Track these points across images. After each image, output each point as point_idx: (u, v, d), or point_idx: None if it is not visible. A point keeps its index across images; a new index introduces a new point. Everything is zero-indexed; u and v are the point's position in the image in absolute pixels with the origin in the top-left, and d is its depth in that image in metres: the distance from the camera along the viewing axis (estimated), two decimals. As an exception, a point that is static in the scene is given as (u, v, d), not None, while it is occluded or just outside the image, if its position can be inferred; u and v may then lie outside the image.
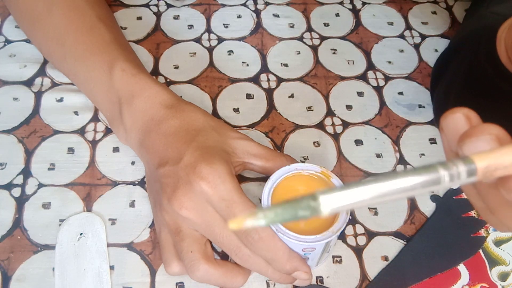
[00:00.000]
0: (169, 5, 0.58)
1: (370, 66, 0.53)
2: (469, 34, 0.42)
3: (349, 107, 0.50)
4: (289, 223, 0.35)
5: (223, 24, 0.56)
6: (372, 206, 0.44)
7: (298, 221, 0.36)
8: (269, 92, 0.51)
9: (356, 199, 0.19)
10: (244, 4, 0.58)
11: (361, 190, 0.19)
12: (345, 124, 0.49)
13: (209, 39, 0.55)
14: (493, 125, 0.21)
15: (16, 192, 0.43)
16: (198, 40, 0.55)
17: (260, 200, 0.36)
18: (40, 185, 0.44)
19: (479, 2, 0.48)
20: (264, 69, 0.53)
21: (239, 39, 0.55)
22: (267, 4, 0.58)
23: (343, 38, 0.56)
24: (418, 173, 0.20)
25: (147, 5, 0.57)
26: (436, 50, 0.55)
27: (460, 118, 0.23)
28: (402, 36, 0.56)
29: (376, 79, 0.52)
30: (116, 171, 0.45)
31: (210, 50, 0.54)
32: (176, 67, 0.52)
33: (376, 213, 0.43)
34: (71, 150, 0.46)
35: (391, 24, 0.58)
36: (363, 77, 0.53)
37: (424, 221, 0.43)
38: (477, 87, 0.38)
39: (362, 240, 0.42)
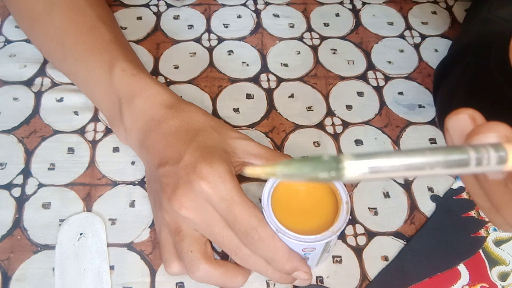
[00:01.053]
0: (169, 5, 0.58)
1: (370, 66, 0.53)
2: (476, 38, 0.42)
3: (349, 107, 0.50)
4: (289, 223, 0.35)
5: (223, 24, 0.56)
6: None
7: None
8: (269, 92, 0.51)
9: (381, 169, 0.18)
10: (244, 4, 0.58)
11: (387, 161, 0.18)
12: (345, 124, 0.49)
13: (209, 39, 0.55)
14: (501, 123, 0.21)
15: (16, 192, 0.43)
16: (198, 40, 0.55)
17: (260, 200, 0.36)
18: (40, 185, 0.44)
19: (479, 3, 0.48)
20: (264, 69, 0.53)
21: (239, 39, 0.55)
22: (267, 4, 0.58)
23: (343, 38, 0.56)
24: (447, 151, 0.19)
25: (147, 5, 0.57)
26: (436, 50, 0.55)
27: (465, 118, 0.23)
28: (402, 36, 0.56)
29: (376, 79, 0.52)
30: (116, 171, 0.45)
31: (210, 50, 0.54)
32: (176, 67, 0.52)
33: (376, 213, 0.43)
34: (71, 150, 0.46)
35: (391, 24, 0.58)
36: (363, 77, 0.53)
37: (424, 221, 0.43)
38: (483, 92, 0.38)
39: (362, 240, 0.42)
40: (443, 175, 0.20)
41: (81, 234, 0.41)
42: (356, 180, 0.18)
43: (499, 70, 0.35)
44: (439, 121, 0.47)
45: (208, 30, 0.56)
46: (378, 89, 0.52)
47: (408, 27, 0.57)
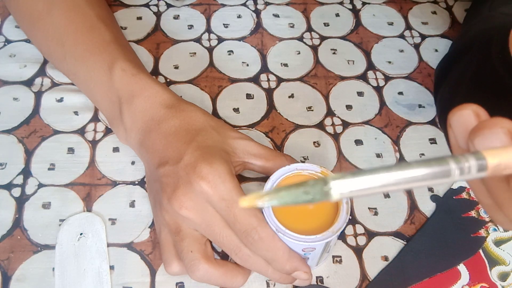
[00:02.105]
0: (169, 5, 0.58)
1: (370, 66, 0.53)
2: (478, 34, 0.42)
3: (349, 107, 0.50)
4: (289, 223, 0.35)
5: (223, 24, 0.56)
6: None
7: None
8: (269, 92, 0.51)
9: (366, 186, 0.19)
10: (244, 4, 0.58)
11: (372, 178, 0.19)
12: (345, 124, 0.49)
13: (209, 39, 0.55)
14: (505, 119, 0.21)
15: (16, 192, 0.43)
16: (198, 40, 0.55)
17: (260, 200, 0.36)
18: (40, 185, 0.44)
19: (480, 2, 0.48)
20: (264, 69, 0.53)
21: (239, 39, 0.55)
22: (267, 4, 0.58)
23: (343, 38, 0.56)
24: (429, 164, 0.20)
25: (147, 5, 0.57)
26: (436, 50, 0.55)
27: (469, 114, 0.23)
28: (402, 36, 0.56)
29: (376, 79, 0.52)
30: (116, 171, 0.45)
31: (210, 50, 0.54)
32: (176, 67, 0.52)
33: (376, 213, 0.43)
34: (71, 150, 0.46)
35: (391, 24, 0.58)
36: (363, 77, 0.53)
37: (424, 221, 0.43)
38: (486, 87, 0.38)
39: (362, 240, 0.42)
40: (427, 186, 0.21)
41: (81, 234, 0.41)
42: (345, 198, 0.19)
43: (500, 62, 0.35)
44: (439, 119, 0.47)
45: (208, 30, 0.56)
46: (378, 89, 0.52)
47: (408, 27, 0.57)
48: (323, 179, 0.19)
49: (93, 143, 0.46)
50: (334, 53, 0.54)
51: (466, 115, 0.23)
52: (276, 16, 0.57)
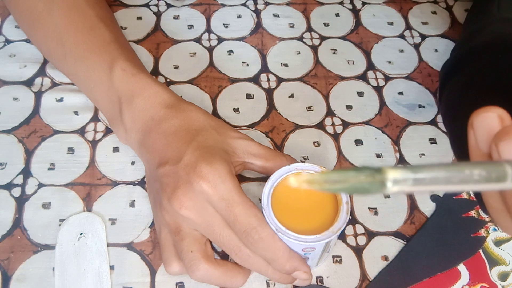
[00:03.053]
0: (169, 5, 0.58)
1: (370, 66, 0.53)
2: (496, 37, 0.41)
3: (349, 107, 0.50)
4: (289, 223, 0.35)
5: (223, 24, 0.56)
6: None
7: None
8: (269, 92, 0.51)
9: (423, 181, 0.19)
10: (244, 4, 0.58)
11: (429, 174, 0.19)
12: (345, 124, 0.49)
13: (209, 39, 0.55)
14: None
15: (16, 192, 0.43)
16: (198, 40, 0.55)
17: (260, 200, 0.36)
18: (40, 185, 0.44)
19: (484, 2, 0.47)
20: (264, 69, 0.53)
21: (239, 39, 0.55)
22: (267, 4, 0.58)
23: (343, 38, 0.56)
24: (485, 167, 0.19)
25: (147, 5, 0.57)
26: (436, 50, 0.55)
27: (493, 117, 0.22)
28: (402, 36, 0.56)
29: (376, 79, 0.52)
30: (116, 171, 0.45)
31: (210, 50, 0.54)
32: (176, 67, 0.52)
33: (376, 213, 0.43)
34: (71, 150, 0.46)
35: (391, 24, 0.58)
36: (363, 77, 0.53)
37: (424, 221, 0.43)
38: (504, 90, 0.37)
39: (362, 240, 0.42)
40: (480, 189, 0.20)
41: (81, 234, 0.41)
42: (398, 193, 0.19)
43: None
44: (445, 117, 0.46)
45: (208, 30, 0.56)
46: (378, 89, 0.52)
47: (408, 27, 0.57)
48: (380, 169, 0.19)
49: (93, 143, 0.46)
50: (334, 53, 0.54)
51: (491, 118, 0.22)
52: (276, 16, 0.57)
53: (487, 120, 0.23)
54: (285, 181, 0.37)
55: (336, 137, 0.48)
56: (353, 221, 0.43)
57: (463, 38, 0.46)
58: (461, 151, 0.39)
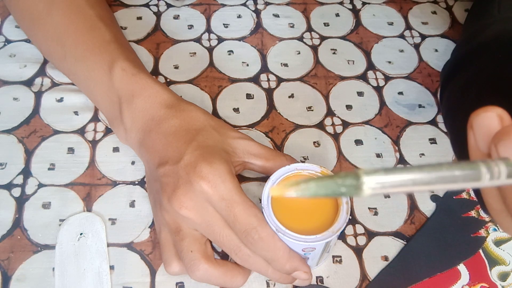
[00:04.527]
0: (169, 5, 0.58)
1: (370, 66, 0.53)
2: (498, 36, 0.41)
3: (349, 107, 0.50)
4: (289, 223, 0.35)
5: (223, 24, 0.56)
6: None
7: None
8: (269, 92, 0.51)
9: (398, 184, 0.19)
10: (244, 4, 0.58)
11: (404, 176, 0.19)
12: (345, 124, 0.49)
13: (209, 39, 0.55)
14: None
15: (16, 192, 0.43)
16: (198, 40, 0.55)
17: (260, 200, 0.36)
18: (40, 185, 0.44)
19: (484, 2, 0.47)
20: (264, 69, 0.53)
21: (239, 39, 0.55)
22: (267, 4, 0.58)
23: (343, 38, 0.56)
24: (461, 167, 0.20)
25: (147, 5, 0.57)
26: (436, 50, 0.55)
27: (493, 117, 0.22)
28: (402, 36, 0.56)
29: (376, 79, 0.52)
30: (116, 171, 0.45)
31: (210, 50, 0.54)
32: (176, 67, 0.52)
33: (376, 213, 0.43)
34: (71, 150, 0.46)
35: (391, 24, 0.58)
36: (363, 77, 0.53)
37: (424, 221, 0.43)
38: (506, 88, 0.37)
39: (362, 240, 0.42)
40: (457, 188, 0.21)
41: (81, 234, 0.41)
42: (373, 195, 0.19)
43: None
44: (445, 117, 0.46)
45: (208, 30, 0.56)
46: (378, 89, 0.52)
47: (408, 27, 0.57)
48: (355, 173, 0.19)
49: (93, 143, 0.46)
50: (334, 53, 0.54)
51: (490, 118, 0.22)
52: (276, 16, 0.57)
53: (486, 120, 0.23)
54: (285, 181, 0.37)
55: (336, 137, 0.48)
56: (353, 221, 0.43)
57: (464, 39, 0.46)
58: (462, 151, 0.39)
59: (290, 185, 0.20)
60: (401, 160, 0.47)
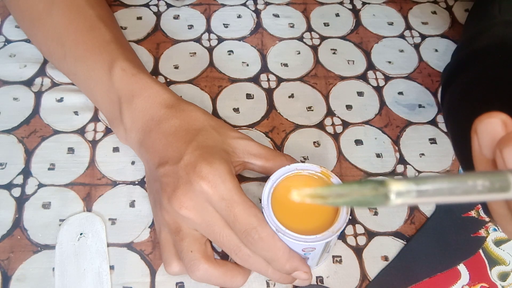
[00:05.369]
0: (169, 5, 0.58)
1: (370, 66, 0.53)
2: (501, 39, 0.41)
3: (349, 107, 0.50)
4: (289, 223, 0.35)
5: (223, 24, 0.56)
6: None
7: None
8: (269, 92, 0.51)
9: (427, 193, 0.19)
10: (244, 4, 0.58)
11: (433, 186, 0.19)
12: (345, 124, 0.49)
13: (209, 39, 0.55)
14: None
15: (16, 192, 0.43)
16: (198, 40, 0.55)
17: (260, 200, 0.36)
18: (40, 185, 0.44)
19: (484, 3, 0.47)
20: (264, 69, 0.53)
21: (239, 39, 0.55)
22: (267, 4, 0.58)
23: (343, 38, 0.56)
24: (488, 177, 0.20)
25: (147, 5, 0.57)
26: (436, 50, 0.55)
27: (497, 123, 0.22)
28: (402, 36, 0.56)
29: (376, 79, 0.52)
30: (116, 171, 0.45)
31: (210, 50, 0.54)
32: (176, 67, 0.52)
33: (376, 213, 0.43)
34: (71, 150, 0.46)
35: (391, 24, 0.58)
36: (363, 77, 0.53)
37: (424, 221, 0.43)
38: (507, 92, 0.37)
39: (362, 240, 0.42)
40: (484, 200, 0.20)
41: (81, 234, 0.41)
42: (402, 205, 0.19)
43: None
44: (447, 118, 0.46)
45: (208, 30, 0.56)
46: (378, 89, 0.52)
47: (408, 27, 0.57)
48: (384, 182, 0.19)
49: (93, 143, 0.46)
50: (334, 53, 0.54)
51: (494, 124, 0.22)
52: (276, 16, 0.57)
53: (490, 126, 0.23)
54: (285, 181, 0.37)
55: (336, 137, 0.48)
56: (353, 221, 0.43)
57: (464, 41, 0.46)
58: (464, 154, 0.39)
59: (316, 193, 0.20)
60: (401, 160, 0.47)
